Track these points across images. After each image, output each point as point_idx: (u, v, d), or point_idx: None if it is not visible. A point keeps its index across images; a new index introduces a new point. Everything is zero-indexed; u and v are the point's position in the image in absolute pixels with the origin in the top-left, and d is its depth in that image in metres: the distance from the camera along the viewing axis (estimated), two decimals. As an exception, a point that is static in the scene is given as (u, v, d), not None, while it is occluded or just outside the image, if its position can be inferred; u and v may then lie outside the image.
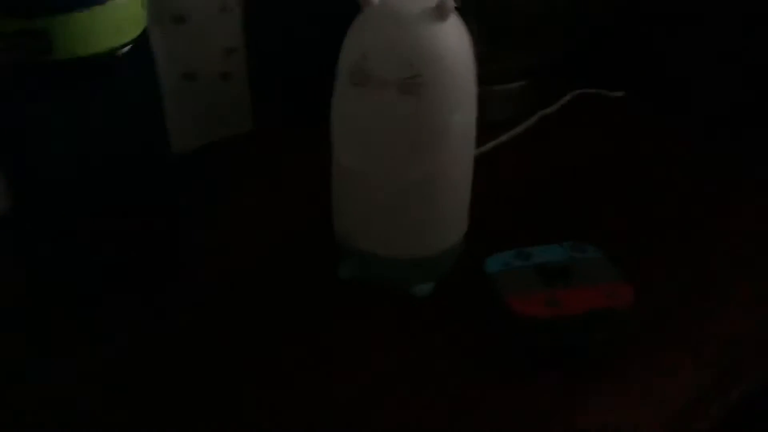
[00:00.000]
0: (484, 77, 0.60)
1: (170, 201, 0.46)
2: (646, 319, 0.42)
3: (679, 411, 0.38)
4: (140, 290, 0.43)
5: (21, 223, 0.43)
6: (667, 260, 0.47)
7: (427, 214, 0.41)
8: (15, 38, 0.34)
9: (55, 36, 0.34)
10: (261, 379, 0.39)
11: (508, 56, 0.61)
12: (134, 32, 0.38)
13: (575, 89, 0.65)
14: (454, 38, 0.37)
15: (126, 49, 0.38)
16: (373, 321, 0.43)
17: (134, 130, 0.41)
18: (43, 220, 0.42)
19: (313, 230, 0.47)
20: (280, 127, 0.61)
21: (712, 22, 0.63)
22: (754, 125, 0.60)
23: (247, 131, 0.60)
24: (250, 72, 0.58)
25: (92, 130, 0.39)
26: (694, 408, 0.38)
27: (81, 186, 0.40)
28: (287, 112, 0.62)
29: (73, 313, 0.42)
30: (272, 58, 0.62)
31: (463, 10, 0.56)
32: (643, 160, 0.58)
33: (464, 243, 0.45)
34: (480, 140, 0.58)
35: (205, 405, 0.38)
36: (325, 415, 0.38)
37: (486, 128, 0.59)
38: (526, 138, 0.60)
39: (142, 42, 0.39)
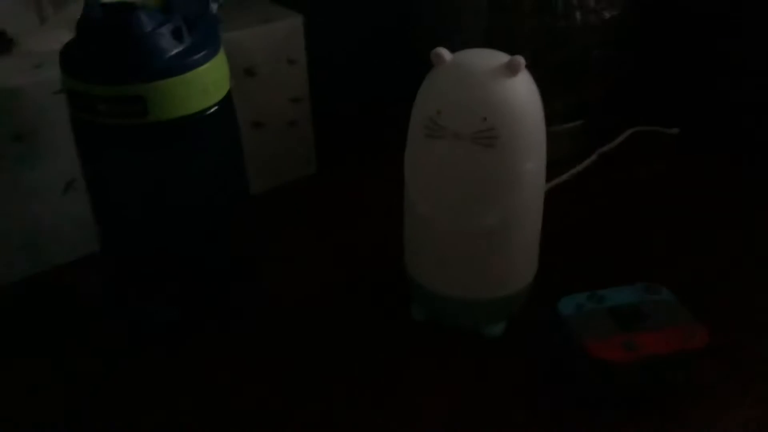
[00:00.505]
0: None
1: (250, 239, 0.48)
2: (718, 362, 0.42)
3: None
4: (218, 323, 0.45)
5: (109, 264, 0.45)
6: (738, 300, 0.47)
7: (498, 259, 0.42)
8: (115, 103, 0.37)
9: (150, 101, 0.37)
10: (333, 418, 0.40)
11: (563, 96, 0.62)
12: (220, 93, 0.41)
13: (631, 127, 0.66)
14: (524, 92, 0.39)
15: (214, 108, 0.40)
16: (446, 361, 0.44)
17: (220, 180, 0.43)
18: (132, 261, 0.44)
19: (384, 271, 0.49)
20: (340, 171, 0.63)
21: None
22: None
23: (310, 175, 0.62)
24: (314, 119, 0.61)
25: (181, 178, 0.41)
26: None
27: (167, 227, 0.42)
28: (348, 156, 0.64)
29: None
30: (335, 106, 0.64)
31: (519, 53, 0.58)
32: (703, 197, 0.58)
33: (534, 284, 0.46)
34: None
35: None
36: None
37: (547, 168, 0.61)
38: (586, 177, 0.61)
39: (227, 100, 0.42)
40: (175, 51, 0.38)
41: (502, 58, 0.39)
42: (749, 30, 0.65)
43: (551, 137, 0.63)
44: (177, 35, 0.38)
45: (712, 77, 0.68)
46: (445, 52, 0.39)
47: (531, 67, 0.58)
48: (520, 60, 0.38)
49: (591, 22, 0.58)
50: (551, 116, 0.62)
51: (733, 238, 0.54)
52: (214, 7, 0.42)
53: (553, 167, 0.60)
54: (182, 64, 0.38)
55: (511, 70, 0.38)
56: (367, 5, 0.69)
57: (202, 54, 0.39)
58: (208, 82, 0.39)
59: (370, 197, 0.59)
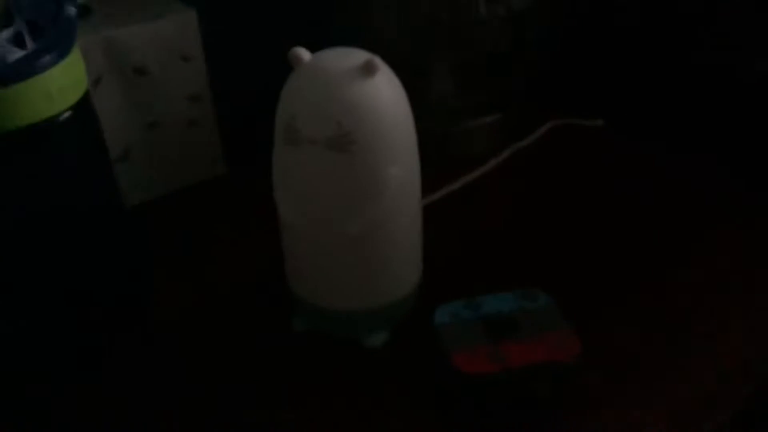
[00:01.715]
0: (454, 113, 0.61)
1: (127, 254, 0.47)
2: (599, 369, 0.41)
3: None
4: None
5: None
6: (628, 307, 0.46)
7: (371, 267, 0.41)
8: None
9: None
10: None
11: (477, 91, 0.60)
12: (73, 98, 0.39)
13: (551, 120, 0.65)
14: (384, 94, 0.37)
15: (66, 115, 0.39)
16: (326, 373, 0.43)
17: (81, 189, 0.41)
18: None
19: (270, 280, 0.47)
20: (251, 170, 0.61)
21: (691, 42, 0.62)
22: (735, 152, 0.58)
23: (218, 175, 0.60)
24: (220, 118, 0.59)
25: (37, 194, 0.39)
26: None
27: (30, 248, 0.40)
28: (259, 153, 0.62)
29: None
30: (239, 102, 0.62)
31: (427, 45, 0.57)
32: (617, 197, 0.57)
33: (418, 291, 0.44)
34: (452, 177, 0.58)
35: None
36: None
37: (459, 164, 0.59)
38: (499, 174, 0.60)
39: (83, 106, 0.40)
40: (13, 58, 0.36)
41: (361, 57, 0.37)
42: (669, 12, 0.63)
43: (466, 132, 0.62)
44: (18, 41, 0.36)
45: (637, 66, 0.66)
46: (303, 52, 0.38)
47: (440, 64, 0.57)
48: (376, 60, 0.36)
49: (498, 15, 0.56)
50: (467, 111, 0.62)
51: (640, 244, 0.52)
52: (70, 10, 0.40)
53: (467, 164, 0.60)
54: (17, 72, 0.36)
55: (367, 71, 0.36)
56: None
57: (45, 59, 0.37)
58: (51, 88, 0.37)
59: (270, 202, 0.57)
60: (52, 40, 0.38)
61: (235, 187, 0.60)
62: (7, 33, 0.36)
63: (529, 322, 0.40)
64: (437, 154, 0.53)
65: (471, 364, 0.37)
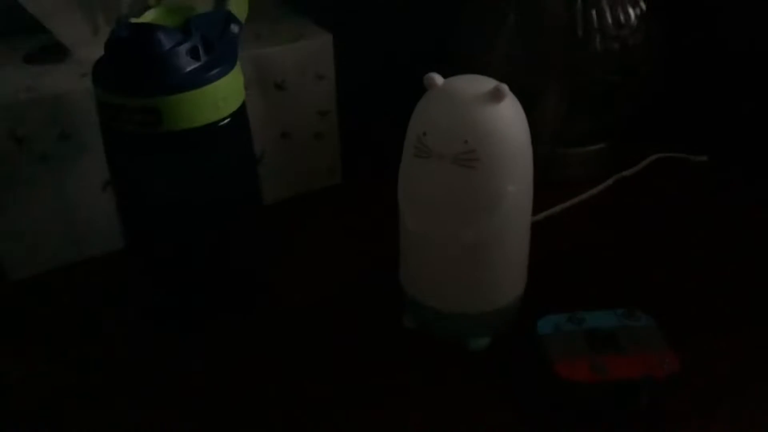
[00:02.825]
0: (564, 139, 0.63)
1: (261, 243, 0.52)
2: (691, 391, 0.42)
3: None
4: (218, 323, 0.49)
5: (132, 259, 0.50)
6: (727, 335, 0.47)
7: (481, 275, 0.44)
8: (134, 113, 0.42)
9: (164, 113, 0.41)
10: (318, 420, 0.43)
11: (587, 119, 0.63)
12: (233, 107, 0.45)
13: (656, 153, 0.66)
14: (507, 118, 0.41)
15: (226, 121, 0.44)
16: (431, 370, 0.46)
17: (231, 185, 0.47)
18: (150, 256, 0.49)
19: (383, 279, 0.52)
20: (365, 182, 0.66)
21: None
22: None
23: (336, 184, 0.66)
24: (341, 132, 0.64)
25: (195, 184, 0.45)
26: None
27: (184, 230, 0.47)
28: (373, 168, 0.67)
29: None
30: (361, 120, 0.68)
31: (541, 74, 0.60)
32: (718, 230, 0.58)
33: (521, 302, 0.47)
34: (553, 200, 0.61)
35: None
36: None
37: (561, 189, 0.62)
38: (601, 200, 0.62)
39: (240, 114, 0.46)
40: (189, 68, 0.42)
41: (490, 84, 0.41)
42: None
43: (572, 159, 0.65)
44: (193, 54, 0.43)
45: (743, 104, 0.67)
46: (437, 77, 0.42)
47: (555, 92, 0.60)
48: (504, 88, 0.40)
49: (612, 49, 0.59)
50: (572, 138, 0.64)
51: (742, 275, 0.53)
52: (234, 28, 0.46)
53: (569, 189, 0.62)
54: (193, 81, 0.42)
55: (494, 97, 0.40)
56: (401, 28, 0.73)
57: (214, 72, 0.43)
58: (218, 98, 0.43)
59: (389, 208, 0.61)
60: (221, 55, 0.44)
61: (349, 195, 0.65)
62: (185, 46, 0.42)
63: (631, 340, 0.42)
64: (543, 177, 0.56)
65: (573, 373, 0.40)
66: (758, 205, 0.60)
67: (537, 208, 0.58)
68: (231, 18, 0.46)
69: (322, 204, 0.64)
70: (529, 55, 0.60)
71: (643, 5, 0.60)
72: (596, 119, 0.63)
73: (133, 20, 0.43)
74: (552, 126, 0.62)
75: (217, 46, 0.44)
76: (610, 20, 0.58)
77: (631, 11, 0.59)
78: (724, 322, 0.48)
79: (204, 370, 0.46)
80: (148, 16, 0.44)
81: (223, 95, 0.43)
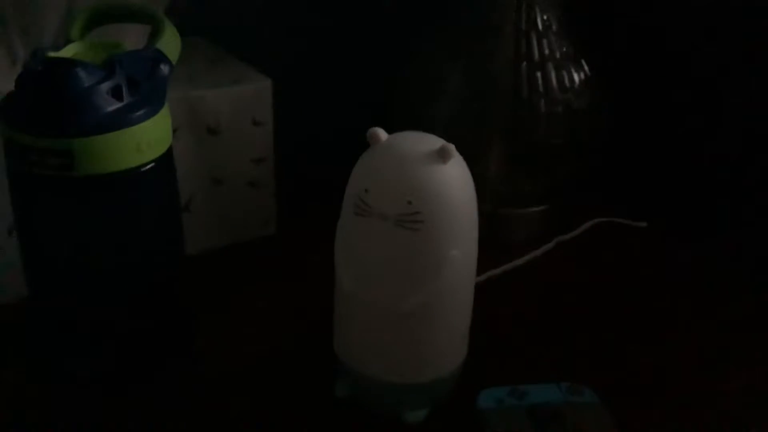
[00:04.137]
0: (504, 199, 0.62)
1: (182, 301, 0.48)
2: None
3: None
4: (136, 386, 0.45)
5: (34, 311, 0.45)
6: (671, 413, 0.46)
7: (421, 343, 0.41)
8: (45, 154, 0.37)
9: (77, 155, 0.37)
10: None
11: (529, 180, 0.62)
12: (158, 152, 0.41)
13: (597, 217, 0.66)
14: (454, 179, 0.39)
15: (149, 166, 0.41)
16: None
17: (151, 236, 0.43)
18: (55, 310, 0.44)
19: (316, 342, 0.48)
20: (300, 232, 0.63)
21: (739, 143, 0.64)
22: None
23: (269, 236, 0.62)
24: (278, 180, 0.61)
25: (109, 232, 0.41)
26: None
27: (94, 280, 0.42)
28: (310, 218, 0.64)
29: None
30: (299, 168, 0.65)
31: (485, 136, 0.59)
32: (658, 297, 0.57)
33: (461, 371, 0.45)
34: (494, 262, 0.59)
35: None
36: None
37: (502, 250, 0.61)
38: (541, 263, 0.61)
39: (165, 159, 0.42)
40: (109, 108, 0.38)
41: (436, 143, 0.39)
42: (726, 123, 0.65)
43: (512, 219, 0.64)
44: (116, 93, 0.39)
45: (686, 170, 0.68)
46: (381, 132, 0.40)
47: (497, 151, 0.59)
48: (451, 148, 0.38)
49: (556, 112, 0.58)
50: (514, 199, 0.63)
51: (683, 344, 0.52)
52: (164, 69, 0.43)
53: (508, 251, 0.61)
54: (112, 122, 0.38)
55: (441, 156, 0.38)
56: (346, 78, 0.71)
57: (138, 113, 0.39)
58: (141, 141, 0.39)
59: (326, 264, 0.58)
60: (146, 96, 0.41)
61: (283, 248, 0.61)
62: (107, 85, 0.39)
63: (575, 417, 0.40)
64: (484, 237, 0.55)
65: (515, 455, 0.37)
66: (699, 271, 0.60)
67: (477, 269, 0.56)
68: (161, 57, 0.42)
69: (254, 257, 0.60)
70: (473, 114, 0.59)
71: (587, 70, 0.60)
72: (539, 181, 0.62)
73: (52, 54, 0.39)
74: (494, 186, 0.61)
75: (144, 86, 0.41)
76: (555, 83, 0.58)
77: (575, 75, 0.59)
78: (671, 396, 0.47)
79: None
80: (69, 50, 0.41)
81: (147, 139, 0.40)
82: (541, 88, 0.58)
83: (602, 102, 0.61)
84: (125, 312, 0.43)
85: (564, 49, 0.59)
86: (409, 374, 0.42)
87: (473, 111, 0.59)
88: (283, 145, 0.60)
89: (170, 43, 0.44)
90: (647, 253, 0.63)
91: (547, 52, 0.58)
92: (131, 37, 0.47)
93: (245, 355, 0.49)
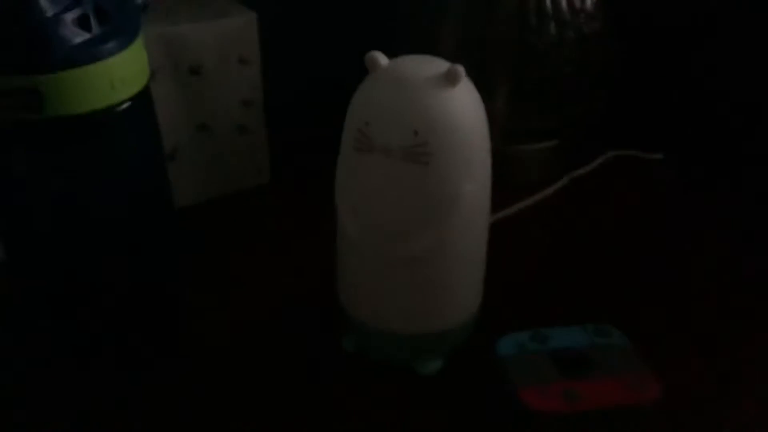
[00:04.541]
0: (512, 136, 0.58)
1: (171, 256, 0.44)
2: (673, 415, 0.38)
3: None
4: (136, 350, 0.41)
5: (14, 275, 0.41)
6: (702, 348, 0.43)
7: (434, 290, 0.38)
8: (8, 96, 0.33)
9: (46, 94, 0.33)
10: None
11: (539, 114, 0.58)
12: (134, 89, 0.37)
13: (611, 151, 0.62)
14: (464, 105, 0.35)
15: (125, 105, 0.37)
16: (375, 398, 0.40)
17: (132, 185, 0.39)
18: (36, 273, 0.40)
19: (320, 295, 0.45)
20: (296, 180, 0.59)
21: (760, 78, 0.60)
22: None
23: (263, 184, 0.58)
24: (268, 125, 0.57)
25: (87, 184, 0.37)
26: None
27: (75, 240, 0.38)
28: (305, 165, 0.60)
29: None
30: (291, 111, 0.60)
31: (490, 67, 0.55)
32: (681, 232, 0.54)
33: (477, 318, 0.41)
34: (505, 203, 0.55)
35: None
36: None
37: (513, 190, 0.57)
38: (555, 202, 0.57)
39: (142, 97, 0.38)
40: (77, 40, 0.34)
41: (442, 66, 0.35)
42: (732, 53, 0.61)
43: (523, 158, 0.60)
44: (83, 24, 0.34)
45: (701, 102, 0.64)
46: (380, 57, 0.35)
47: (504, 83, 0.55)
48: (459, 69, 0.34)
49: (567, 38, 0.54)
50: (523, 136, 0.59)
51: (709, 280, 0.49)
52: (137, -3, 0.38)
53: (520, 190, 0.57)
54: (82, 56, 0.34)
55: (449, 79, 0.34)
56: (336, 9, 0.66)
57: (109, 45, 0.35)
58: (114, 77, 0.35)
59: (325, 211, 0.54)
60: (117, 26, 0.36)
61: (279, 197, 0.57)
62: (73, 14, 0.34)
63: (604, 360, 0.37)
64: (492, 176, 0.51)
65: (542, 401, 0.34)
66: (719, 204, 0.56)
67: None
68: (132, -17, 0.38)
69: (247, 207, 0.56)
70: (477, 43, 0.54)
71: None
72: (549, 114, 0.58)
73: (4, -20, 0.35)
74: (502, 120, 0.57)
75: (115, 16, 0.36)
76: (565, 6, 0.53)
77: (587, -2, 0.54)
78: (700, 335, 0.44)
79: (115, 408, 0.38)
80: (27, -23, 0.36)
81: (120, 74, 0.35)
82: (550, 12, 0.53)
83: (614, 26, 0.57)
84: (113, 273, 0.40)
85: (573, -32, 0.54)
86: (422, 324, 0.39)
87: (478, 39, 0.54)
88: (273, 87, 0.56)
89: (142, -34, 0.39)
90: (665, 186, 0.59)
91: (555, -29, 0.54)
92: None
93: (246, 314, 0.45)
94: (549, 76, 0.55)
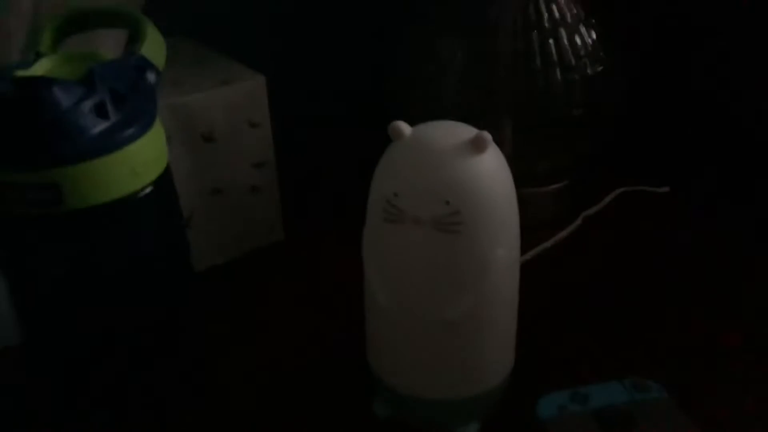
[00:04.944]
0: (522, 179, 0.58)
1: (193, 326, 0.44)
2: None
3: None
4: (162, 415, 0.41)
5: (32, 357, 0.41)
6: (734, 391, 0.42)
7: (469, 354, 0.37)
8: (25, 191, 0.33)
9: (65, 188, 0.33)
10: None
11: (548, 156, 0.58)
12: (154, 173, 0.36)
13: (618, 187, 0.62)
14: (492, 171, 0.34)
15: (147, 190, 0.36)
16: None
17: (154, 263, 0.39)
18: (55, 353, 0.39)
19: (345, 356, 0.44)
20: (311, 238, 0.58)
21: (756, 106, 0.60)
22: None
23: (278, 242, 0.58)
24: (280, 184, 0.56)
25: (109, 270, 0.37)
26: None
27: (96, 321, 0.38)
28: (318, 223, 0.60)
29: None
30: (303, 170, 0.60)
31: (496, 111, 0.55)
32: (700, 267, 0.54)
33: (510, 378, 0.41)
34: (524, 246, 0.55)
35: None
36: None
37: (526, 233, 0.56)
38: (570, 243, 0.57)
39: (164, 179, 0.38)
40: (97, 130, 0.34)
41: (467, 132, 0.34)
42: (739, 83, 0.61)
43: (533, 200, 0.59)
44: (100, 111, 0.34)
45: (702, 133, 0.64)
46: (403, 126, 0.35)
47: (513, 129, 0.55)
48: (486, 136, 0.34)
49: (572, 80, 0.54)
50: (532, 178, 0.59)
51: (733, 319, 0.48)
52: (150, 77, 0.38)
53: (534, 232, 0.57)
54: (102, 145, 0.33)
55: (476, 146, 0.34)
56: (337, 66, 0.66)
57: (129, 132, 0.34)
58: (136, 163, 0.35)
59: (341, 271, 0.54)
60: (135, 110, 0.36)
61: (293, 254, 0.57)
62: (89, 103, 0.34)
63: (647, 417, 0.36)
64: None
65: (593, 469, 0.34)
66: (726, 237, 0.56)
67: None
68: (145, 64, 0.38)
69: (264, 266, 0.55)
70: (483, 92, 0.54)
71: (599, 31, 0.56)
72: (558, 156, 0.58)
73: (21, 73, 0.34)
74: (512, 166, 0.56)
75: (131, 99, 0.36)
76: (569, 49, 0.54)
77: (588, 39, 0.55)
78: (733, 374, 0.43)
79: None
80: (41, 67, 0.36)
81: (142, 159, 0.35)
82: (555, 57, 0.53)
83: (617, 65, 0.57)
84: (137, 351, 0.39)
85: (574, 11, 0.55)
86: (458, 388, 0.38)
87: (483, 89, 0.54)
88: (282, 146, 0.56)
89: (154, 46, 0.39)
90: (675, 219, 0.59)
91: (557, 16, 0.54)
92: (109, 45, 0.42)
93: (267, 378, 0.45)
94: (557, 118, 0.55)
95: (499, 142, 0.54)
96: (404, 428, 0.40)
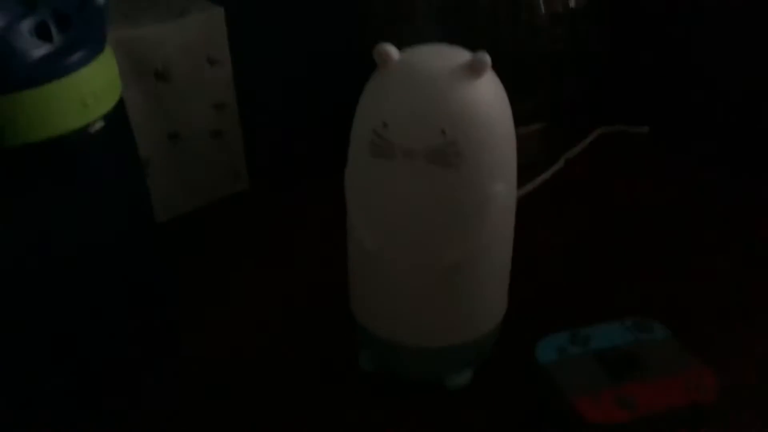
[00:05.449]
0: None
1: (158, 277, 0.40)
2: (726, 407, 0.36)
3: None
4: (134, 375, 0.37)
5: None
6: (737, 333, 0.41)
7: (464, 300, 0.35)
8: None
9: (5, 120, 0.28)
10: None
11: (525, 97, 0.55)
12: (105, 106, 0.32)
13: (598, 127, 0.60)
14: (491, 98, 0.31)
15: (98, 125, 0.32)
16: (402, 420, 0.36)
17: (112, 209, 0.34)
18: (12, 310, 0.35)
19: (326, 309, 0.41)
20: (278, 184, 0.54)
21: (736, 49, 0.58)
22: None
23: (240, 191, 0.54)
24: (243, 128, 0.52)
25: (62, 214, 0.32)
26: None
27: (53, 276, 0.33)
28: (286, 167, 0.56)
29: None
30: (267, 111, 0.56)
31: (477, 46, 0.51)
32: (685, 207, 0.52)
33: (503, 321, 0.38)
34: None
35: None
36: None
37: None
38: (552, 185, 0.54)
39: (117, 113, 0.33)
40: (38, 54, 0.29)
41: (462, 55, 0.31)
42: (715, 21, 0.59)
43: (519, 140, 0.57)
44: (42, 33, 0.29)
45: (681, 74, 0.62)
46: (392, 50, 0.31)
47: (498, 65, 0.52)
48: (485, 58, 0.30)
49: (557, 12, 0.51)
50: (514, 118, 0.56)
51: (729, 253, 0.47)
52: (98, -2, 0.33)
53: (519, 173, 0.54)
54: (46, 71, 0.29)
55: (474, 70, 0.30)
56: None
57: (76, 56, 0.30)
58: (85, 93, 0.30)
59: (312, 220, 0.50)
60: (81, 33, 0.31)
61: (260, 204, 0.53)
62: (29, 22, 0.29)
63: (652, 358, 0.34)
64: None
65: (597, 412, 0.32)
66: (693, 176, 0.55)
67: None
68: (92, -17, 0.33)
69: (229, 218, 0.51)
70: (463, 26, 0.51)
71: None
72: (540, 95, 0.55)
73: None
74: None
75: (76, 21, 0.31)
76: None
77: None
78: (736, 316, 0.42)
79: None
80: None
81: (91, 89, 0.31)
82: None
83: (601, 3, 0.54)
84: (99, 308, 0.35)
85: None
86: (451, 336, 0.36)
87: (464, 24, 0.50)
88: (245, 86, 0.51)
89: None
90: (655, 159, 0.58)
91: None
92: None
93: (243, 335, 0.41)
94: (541, 55, 0.52)
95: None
96: (392, 381, 0.38)
